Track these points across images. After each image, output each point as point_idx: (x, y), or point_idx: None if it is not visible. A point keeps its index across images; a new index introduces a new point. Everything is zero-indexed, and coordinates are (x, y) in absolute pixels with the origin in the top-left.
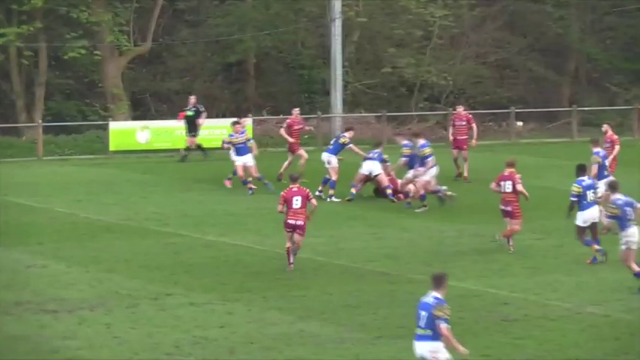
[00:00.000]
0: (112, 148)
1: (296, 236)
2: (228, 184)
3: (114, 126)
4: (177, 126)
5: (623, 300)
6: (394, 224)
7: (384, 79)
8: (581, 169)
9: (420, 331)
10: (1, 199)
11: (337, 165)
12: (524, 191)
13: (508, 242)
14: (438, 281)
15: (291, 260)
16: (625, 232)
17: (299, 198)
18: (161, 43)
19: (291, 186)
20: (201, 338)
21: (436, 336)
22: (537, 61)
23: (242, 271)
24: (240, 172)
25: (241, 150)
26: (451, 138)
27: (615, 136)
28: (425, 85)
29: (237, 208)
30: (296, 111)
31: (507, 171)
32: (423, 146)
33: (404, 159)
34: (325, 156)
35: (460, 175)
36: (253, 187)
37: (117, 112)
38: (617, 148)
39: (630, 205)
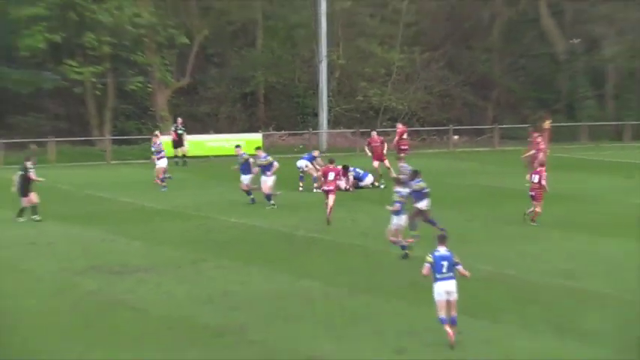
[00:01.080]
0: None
1: (330, 197)
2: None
3: (162, 139)
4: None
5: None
6: (367, 210)
7: (358, 104)
8: (415, 173)
9: (445, 275)
10: (81, 192)
11: (312, 167)
12: (546, 185)
13: (532, 220)
14: (443, 239)
15: (329, 214)
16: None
17: (332, 174)
18: (195, 78)
19: (329, 165)
20: (228, 291)
21: (454, 276)
22: (469, 91)
23: (256, 244)
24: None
25: (246, 170)
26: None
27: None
28: (387, 109)
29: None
30: (374, 133)
31: (538, 168)
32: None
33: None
34: (302, 162)
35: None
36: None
37: (164, 129)
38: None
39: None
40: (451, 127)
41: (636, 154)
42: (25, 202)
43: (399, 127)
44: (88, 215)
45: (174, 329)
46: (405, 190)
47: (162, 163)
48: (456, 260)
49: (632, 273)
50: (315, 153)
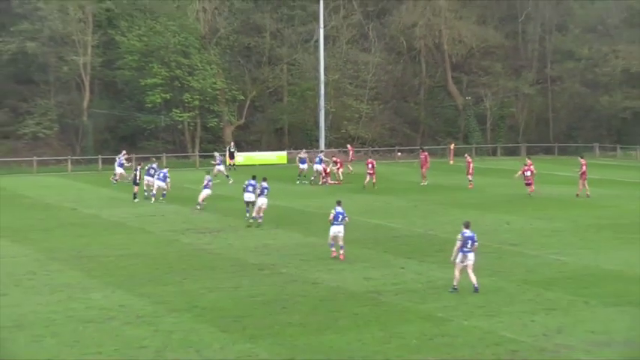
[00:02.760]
0: (227, 163)
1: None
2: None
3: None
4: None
5: (441, 228)
6: (347, 197)
7: (342, 135)
8: (253, 177)
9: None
10: (181, 185)
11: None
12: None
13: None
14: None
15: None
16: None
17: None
18: (247, 119)
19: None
20: (265, 244)
21: (343, 224)
22: (407, 127)
23: (280, 215)
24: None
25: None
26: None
27: (470, 159)
28: (359, 137)
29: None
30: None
31: (528, 164)
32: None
33: None
34: (318, 166)
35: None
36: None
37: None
38: (472, 165)
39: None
40: (396, 147)
41: (505, 163)
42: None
43: (350, 147)
44: (185, 199)
45: (234, 265)
46: None
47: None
48: (345, 215)
49: (499, 232)
50: (321, 155)
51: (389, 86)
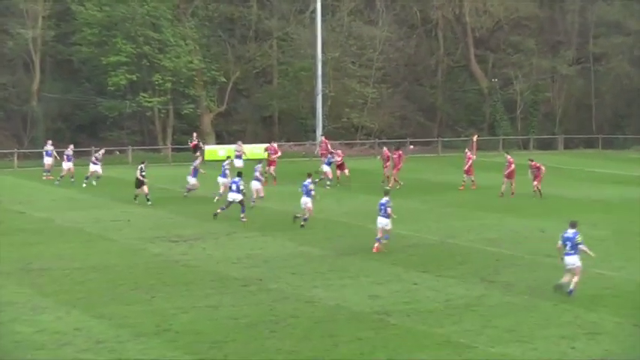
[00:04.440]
0: (205, 158)
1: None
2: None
3: (207, 148)
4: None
5: (463, 235)
6: (350, 197)
7: (343, 124)
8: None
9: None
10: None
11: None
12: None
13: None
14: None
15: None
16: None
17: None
18: (230, 106)
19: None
20: (250, 254)
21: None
22: (420, 115)
23: (270, 221)
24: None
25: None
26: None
27: (472, 155)
28: (363, 127)
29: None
30: (385, 149)
31: (509, 161)
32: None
33: None
34: (326, 167)
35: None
36: None
37: (208, 141)
38: (470, 161)
39: (306, 186)
40: (408, 139)
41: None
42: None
43: (324, 139)
44: (155, 200)
45: (214, 280)
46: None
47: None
48: (389, 206)
49: (532, 240)
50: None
51: (399, 66)
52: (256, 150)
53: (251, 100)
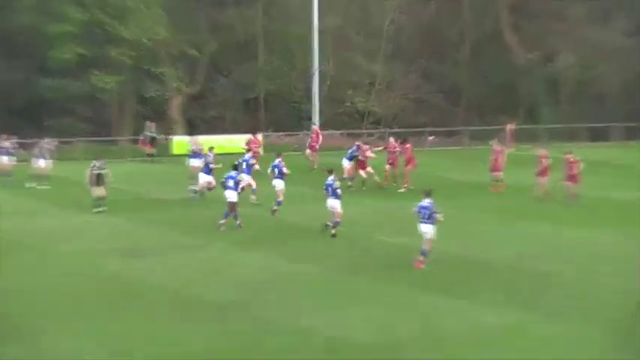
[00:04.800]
0: (174, 152)
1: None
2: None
3: (175, 139)
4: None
5: (497, 249)
6: (355, 202)
7: (346, 109)
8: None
9: (423, 220)
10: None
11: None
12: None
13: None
14: (428, 193)
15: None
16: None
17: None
18: (205, 86)
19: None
20: (230, 273)
21: (432, 222)
22: (441, 98)
23: (256, 230)
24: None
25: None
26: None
27: (500, 148)
28: (370, 113)
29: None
30: (392, 139)
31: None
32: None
33: None
34: (345, 162)
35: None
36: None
37: (177, 130)
38: (501, 156)
39: (331, 185)
40: (426, 129)
41: (587, 152)
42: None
43: (315, 129)
44: (113, 206)
45: (184, 304)
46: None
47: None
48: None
49: (584, 256)
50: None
51: (415, 38)
52: (237, 143)
53: (231, 79)
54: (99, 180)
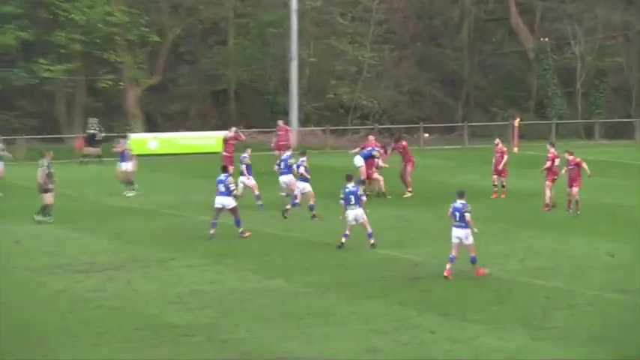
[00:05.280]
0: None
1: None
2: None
3: (133, 137)
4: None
5: (502, 264)
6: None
7: (328, 102)
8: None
9: (456, 223)
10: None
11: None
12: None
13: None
14: (461, 193)
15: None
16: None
17: None
18: (167, 76)
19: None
20: (197, 290)
21: (466, 225)
22: (439, 89)
23: (226, 242)
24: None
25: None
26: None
27: (504, 148)
28: (357, 107)
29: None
30: (371, 137)
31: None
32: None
33: None
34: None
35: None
36: None
37: (135, 127)
38: (505, 157)
39: (354, 193)
40: (421, 125)
41: (604, 151)
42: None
43: (282, 125)
44: (55, 213)
45: (142, 329)
46: None
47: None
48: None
49: (597, 271)
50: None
51: (409, 21)
52: (204, 140)
53: (197, 68)
54: (50, 181)
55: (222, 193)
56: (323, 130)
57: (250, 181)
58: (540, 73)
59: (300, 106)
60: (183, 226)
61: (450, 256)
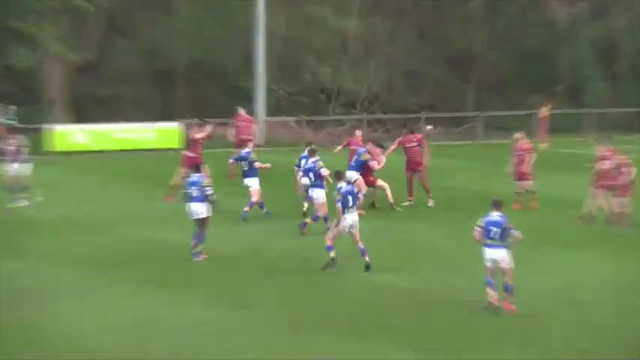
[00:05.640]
0: (55, 148)
1: None
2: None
3: (55, 128)
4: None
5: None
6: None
7: (305, 86)
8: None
9: (492, 242)
10: None
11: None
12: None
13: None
14: (498, 204)
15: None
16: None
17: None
18: (99, 53)
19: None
20: (141, 321)
21: (505, 245)
22: (445, 69)
23: (176, 264)
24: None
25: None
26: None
27: (527, 145)
28: (342, 91)
29: (166, 205)
30: (358, 132)
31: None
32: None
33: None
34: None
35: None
36: None
37: (58, 116)
38: (529, 156)
39: (351, 193)
40: (423, 115)
41: None
42: None
43: (243, 113)
44: None
45: None
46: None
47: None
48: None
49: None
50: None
51: None
52: (145, 133)
53: (137, 43)
54: None
55: (195, 199)
56: (297, 121)
57: None
58: (573, 49)
59: (269, 91)
60: (123, 243)
61: (487, 279)
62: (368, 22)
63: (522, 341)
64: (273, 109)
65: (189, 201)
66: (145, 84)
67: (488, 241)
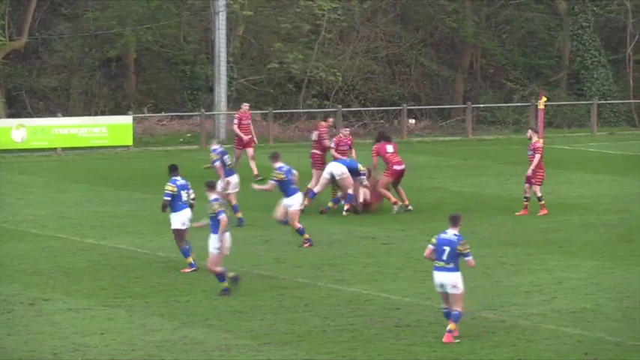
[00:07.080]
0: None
1: None
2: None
3: None
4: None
5: (518, 305)
6: (283, 227)
7: (271, 74)
8: (174, 169)
9: (440, 264)
10: None
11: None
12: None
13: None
14: (455, 220)
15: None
16: (290, 198)
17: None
18: (37, 37)
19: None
20: (81, 345)
21: (457, 268)
22: (430, 56)
23: (123, 276)
24: None
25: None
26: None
27: (539, 144)
28: (313, 81)
29: (117, 210)
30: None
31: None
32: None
33: None
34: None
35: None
36: None
37: None
38: (537, 157)
39: (289, 172)
40: (405, 106)
41: None
42: None
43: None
44: None
45: None
46: None
47: None
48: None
49: None
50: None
51: None
52: (89, 129)
53: (79, 25)
54: None
55: (184, 206)
56: (264, 115)
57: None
58: (576, 33)
59: (231, 80)
60: (62, 252)
61: (444, 309)
62: (343, 1)
63: (515, 356)
64: (235, 101)
65: (178, 207)
66: (90, 73)
67: (437, 264)
